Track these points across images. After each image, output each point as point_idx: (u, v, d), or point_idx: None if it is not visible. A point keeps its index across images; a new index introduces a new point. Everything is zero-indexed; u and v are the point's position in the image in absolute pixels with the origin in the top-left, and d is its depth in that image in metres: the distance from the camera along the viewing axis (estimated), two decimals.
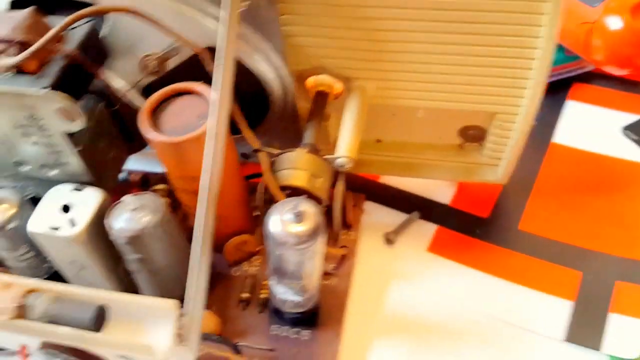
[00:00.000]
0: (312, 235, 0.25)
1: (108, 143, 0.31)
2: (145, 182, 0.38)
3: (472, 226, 0.38)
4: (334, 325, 0.32)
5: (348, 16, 0.31)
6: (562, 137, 0.43)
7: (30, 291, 0.24)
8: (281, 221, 0.25)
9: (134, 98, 0.32)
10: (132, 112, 0.32)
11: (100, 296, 0.24)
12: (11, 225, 0.29)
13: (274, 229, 0.25)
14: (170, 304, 0.24)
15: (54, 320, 0.23)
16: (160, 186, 0.36)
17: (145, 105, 0.28)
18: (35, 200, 0.31)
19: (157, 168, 0.40)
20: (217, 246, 0.35)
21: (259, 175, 0.33)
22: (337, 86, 0.36)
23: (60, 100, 0.25)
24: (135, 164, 0.37)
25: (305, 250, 0.25)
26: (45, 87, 0.26)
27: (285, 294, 0.29)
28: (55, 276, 0.32)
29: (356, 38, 0.32)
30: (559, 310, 0.33)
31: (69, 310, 0.23)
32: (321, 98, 0.36)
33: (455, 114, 0.36)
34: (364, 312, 0.33)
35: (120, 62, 0.31)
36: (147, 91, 0.33)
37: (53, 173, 0.30)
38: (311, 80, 0.36)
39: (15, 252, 0.30)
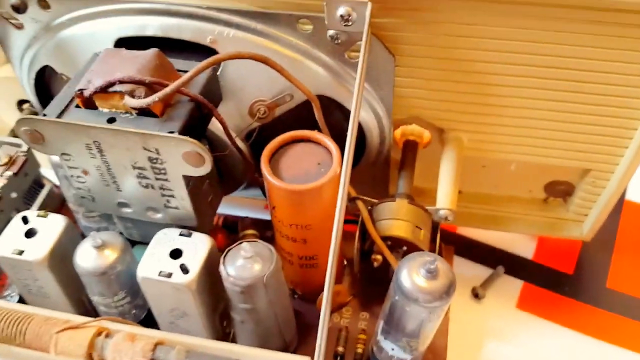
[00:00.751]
0: (445, 293, 0.24)
1: (208, 186, 0.31)
2: (233, 226, 0.37)
3: (558, 283, 0.37)
4: None
5: (457, 70, 0.31)
6: (635, 195, 0.43)
7: (159, 344, 0.23)
8: (414, 276, 0.24)
9: (239, 143, 0.31)
10: (226, 156, 0.32)
11: (233, 350, 0.23)
12: (114, 271, 0.28)
13: (406, 284, 0.24)
14: None
15: None
16: (250, 231, 0.35)
17: (265, 151, 0.28)
18: (132, 242, 0.30)
19: (234, 211, 0.39)
20: (308, 297, 0.34)
21: (347, 222, 0.32)
22: (426, 135, 0.36)
23: (191, 145, 0.25)
24: None
25: (434, 309, 0.24)
26: (172, 131, 0.25)
27: (393, 351, 0.28)
28: (143, 323, 0.31)
29: (461, 91, 0.32)
30: None
31: None
32: (411, 148, 0.36)
33: (547, 169, 0.36)
34: None
35: (229, 106, 0.31)
36: (248, 137, 0.33)
37: (158, 216, 0.29)
38: (399, 131, 0.36)
39: (112, 298, 0.29)
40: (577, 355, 0.33)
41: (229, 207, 0.38)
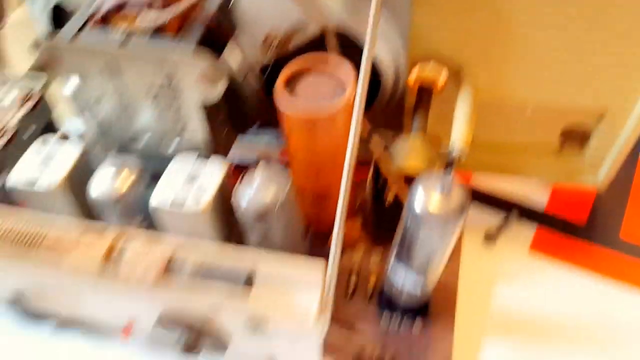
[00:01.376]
0: (459, 210, 0.24)
1: (223, 120, 0.31)
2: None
3: (571, 229, 0.37)
4: (446, 318, 0.31)
5: (476, 7, 0.30)
6: None
7: (174, 252, 0.23)
8: (429, 194, 0.24)
9: (252, 77, 0.31)
10: (240, 91, 0.32)
11: (249, 256, 0.23)
12: (131, 194, 0.28)
13: (421, 202, 0.24)
14: (319, 268, 0.22)
15: (207, 277, 0.22)
16: None
17: (280, 77, 0.27)
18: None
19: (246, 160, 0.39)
20: (320, 235, 0.34)
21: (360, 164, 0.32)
22: (441, 79, 0.35)
23: (206, 63, 0.25)
24: None
25: (448, 227, 0.24)
26: (188, 49, 0.25)
27: (404, 283, 0.28)
28: None
29: (479, 26, 0.31)
30: None
31: (219, 271, 0.22)
32: (427, 89, 0.35)
33: (563, 114, 0.35)
34: (473, 310, 0.32)
35: (243, 39, 0.31)
36: (263, 71, 0.33)
37: (172, 145, 0.29)
38: (413, 76, 0.35)
39: (130, 221, 0.29)
40: (590, 296, 0.33)
41: (241, 157, 0.38)
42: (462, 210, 0.24)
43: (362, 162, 0.34)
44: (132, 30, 0.26)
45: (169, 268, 0.22)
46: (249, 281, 0.22)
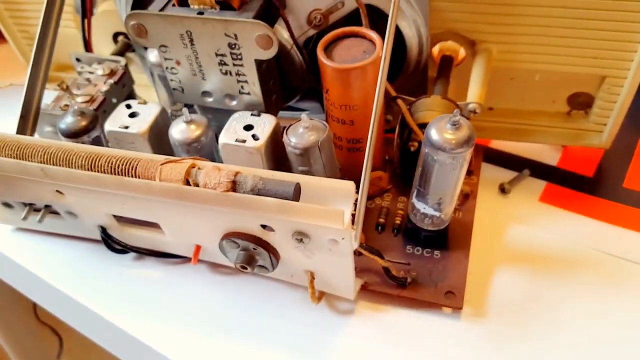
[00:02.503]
0: (467, 141, 0.29)
1: (273, 85, 0.37)
2: None
3: (578, 183, 0.42)
4: (462, 248, 0.36)
5: None
6: None
7: (238, 173, 0.29)
8: (441, 129, 0.30)
9: (297, 49, 0.37)
10: (288, 62, 0.38)
11: (294, 177, 0.29)
12: (198, 143, 0.35)
13: (434, 136, 0.30)
14: (350, 185, 0.28)
15: (260, 194, 0.28)
16: None
17: (320, 41, 0.34)
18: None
19: None
20: (356, 181, 0.40)
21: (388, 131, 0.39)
22: (461, 52, 0.41)
23: (262, 28, 0.31)
24: None
25: (458, 156, 0.30)
26: (248, 18, 0.32)
27: (425, 210, 0.34)
28: None
29: (490, 2, 0.37)
30: None
31: (273, 186, 0.28)
32: (447, 62, 0.41)
33: (568, 80, 0.40)
34: (486, 243, 0.37)
35: (290, 16, 0.37)
36: (306, 44, 0.39)
37: (234, 103, 0.36)
38: (436, 48, 0.41)
39: None
40: (594, 237, 0.38)
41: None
42: (469, 140, 0.30)
43: (391, 129, 0.40)
44: (205, 5, 0.33)
45: (235, 182, 0.28)
46: (295, 195, 0.28)
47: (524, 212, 0.40)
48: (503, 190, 0.41)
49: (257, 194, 0.28)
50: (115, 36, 0.49)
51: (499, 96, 0.43)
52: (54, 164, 0.31)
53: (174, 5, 0.34)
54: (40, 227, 0.39)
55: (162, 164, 0.30)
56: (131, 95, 0.44)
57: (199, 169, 0.29)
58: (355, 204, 0.29)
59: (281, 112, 0.41)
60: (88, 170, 0.31)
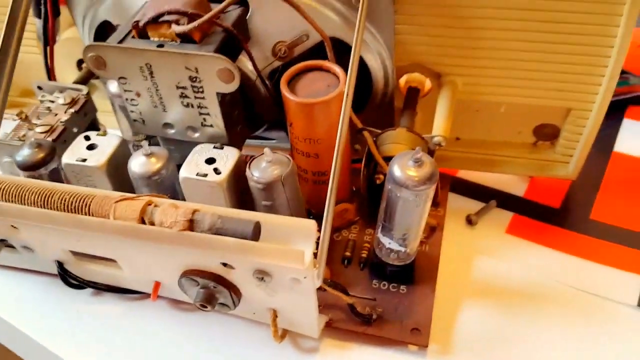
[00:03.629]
0: (429, 178, 0.29)
1: (237, 116, 0.37)
2: None
3: (545, 214, 0.42)
4: (428, 282, 0.35)
5: (451, 16, 0.36)
6: (623, 147, 0.47)
7: (196, 211, 0.28)
8: (403, 166, 0.29)
9: (261, 81, 0.37)
10: (252, 93, 0.38)
11: (255, 216, 0.28)
12: (159, 176, 0.34)
13: (396, 173, 0.29)
14: (312, 223, 0.28)
15: (218, 233, 0.27)
16: None
17: (284, 75, 0.33)
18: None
19: None
20: (320, 214, 0.39)
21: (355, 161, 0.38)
22: (427, 84, 0.41)
23: (223, 62, 0.31)
24: None
25: (421, 193, 0.30)
26: (209, 52, 0.31)
27: (390, 245, 0.33)
28: None
29: (455, 37, 0.37)
30: (631, 282, 0.36)
31: (232, 225, 0.27)
32: (413, 93, 0.41)
33: (534, 111, 0.41)
34: (453, 277, 0.37)
35: (255, 48, 0.37)
36: (272, 75, 0.39)
37: (196, 135, 0.35)
38: (403, 79, 0.41)
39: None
40: (559, 270, 0.37)
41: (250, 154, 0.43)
42: (431, 177, 0.29)
43: (359, 158, 0.40)
44: (165, 38, 0.32)
45: (192, 220, 0.28)
46: (255, 235, 0.28)
47: (490, 244, 0.40)
48: (470, 221, 0.41)
49: (215, 233, 0.27)
50: (80, 63, 0.48)
51: (466, 127, 0.43)
52: (6, 200, 0.30)
53: (133, 37, 0.33)
54: None
55: (116, 202, 0.29)
56: (94, 124, 0.43)
57: (155, 206, 0.29)
58: (318, 242, 0.28)
59: (248, 140, 0.40)
60: (40, 207, 0.29)
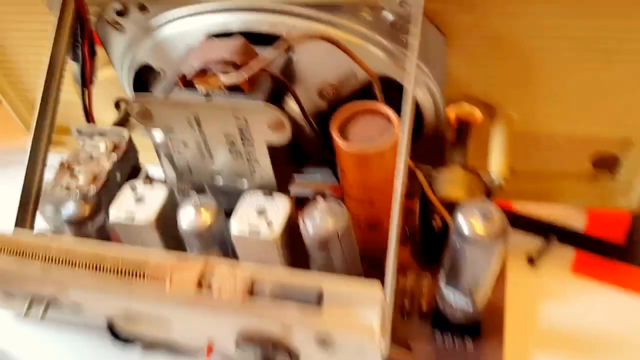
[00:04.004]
0: (500, 234, 0.27)
1: (284, 160, 0.35)
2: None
3: (610, 249, 0.39)
4: (495, 335, 0.33)
5: (504, 48, 0.34)
6: None
7: (255, 276, 0.27)
8: (471, 219, 0.28)
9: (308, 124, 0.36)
10: (299, 133, 0.36)
11: (317, 279, 0.27)
12: (209, 231, 0.32)
13: (463, 227, 0.28)
14: (378, 291, 0.26)
15: (279, 301, 0.26)
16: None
17: (334, 120, 0.32)
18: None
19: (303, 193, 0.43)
20: (375, 260, 0.38)
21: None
22: (478, 114, 0.39)
23: (274, 113, 0.29)
24: None
25: (491, 250, 0.28)
26: (259, 102, 0.30)
27: (455, 302, 0.31)
28: None
29: (510, 68, 0.35)
30: None
31: (294, 293, 0.26)
32: (465, 126, 0.39)
33: (592, 141, 0.38)
34: (520, 326, 0.35)
35: (301, 89, 0.35)
36: (318, 116, 0.37)
37: (244, 183, 0.34)
38: (453, 111, 0.39)
39: (209, 251, 0.34)
40: (632, 314, 0.35)
41: (299, 192, 0.42)
42: (503, 234, 0.28)
43: (408, 193, 0.38)
44: (212, 89, 0.31)
45: (251, 289, 0.26)
46: (318, 300, 0.26)
47: (556, 286, 0.37)
48: (532, 261, 0.39)
49: (276, 301, 0.26)
50: (118, 102, 0.47)
51: (521, 158, 0.41)
52: (56, 264, 0.29)
53: (180, 87, 0.32)
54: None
55: (171, 269, 0.27)
56: (136, 167, 0.42)
57: (212, 271, 0.27)
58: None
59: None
60: (92, 272, 0.28)
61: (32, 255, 0.29)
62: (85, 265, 0.29)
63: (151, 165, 0.44)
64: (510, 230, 0.28)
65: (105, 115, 0.48)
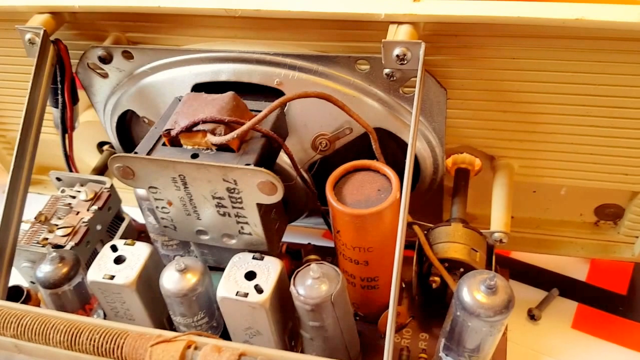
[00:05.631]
0: (505, 307, 0.26)
1: (276, 214, 0.33)
2: (295, 253, 0.39)
3: (611, 303, 0.38)
4: None
5: (505, 100, 0.33)
6: None
7: (242, 354, 0.25)
8: (474, 291, 0.26)
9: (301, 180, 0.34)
10: (291, 186, 0.35)
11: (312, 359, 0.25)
12: (195, 292, 0.31)
13: (467, 300, 0.26)
14: None
15: None
16: (313, 256, 0.37)
17: (329, 179, 0.30)
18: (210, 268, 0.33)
19: (296, 239, 0.42)
20: (369, 317, 0.36)
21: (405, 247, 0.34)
22: (477, 163, 0.38)
23: (265, 175, 0.28)
24: None
25: (495, 323, 0.26)
26: (249, 164, 0.28)
27: None
28: None
29: (510, 120, 0.34)
30: None
31: None
32: (463, 175, 0.38)
33: (596, 192, 0.37)
34: None
35: (293, 141, 0.34)
36: (311, 168, 0.35)
37: (233, 242, 0.32)
38: (450, 160, 0.38)
39: (192, 318, 0.32)
40: None
41: (291, 236, 0.40)
42: (508, 305, 0.26)
43: (407, 245, 0.36)
44: (199, 146, 0.29)
45: None
46: None
47: (557, 342, 0.36)
48: (533, 317, 0.37)
49: None
50: (101, 145, 0.45)
51: (521, 206, 0.40)
52: (28, 339, 0.27)
53: (164, 144, 0.30)
54: None
55: (152, 345, 0.25)
56: (118, 216, 0.40)
57: (195, 349, 0.25)
58: None
59: None
60: (67, 348, 0.26)
61: (3, 325, 0.27)
62: (60, 341, 0.26)
63: (136, 208, 0.42)
64: (514, 301, 0.26)
65: (88, 157, 0.46)
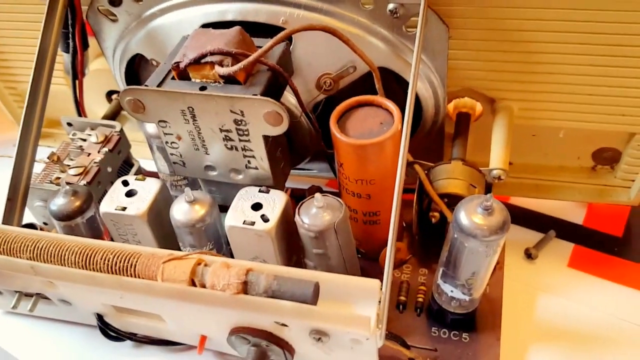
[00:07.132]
0: (501, 228, 0.27)
1: (281, 154, 0.34)
2: (300, 197, 0.40)
3: (607, 244, 0.39)
4: (492, 328, 0.33)
5: (507, 40, 0.33)
6: None
7: (249, 271, 0.26)
8: (471, 214, 0.27)
9: (306, 117, 0.35)
10: (296, 127, 0.35)
11: (313, 275, 0.26)
12: (202, 223, 0.32)
13: (463, 221, 0.27)
14: (375, 284, 0.26)
15: (275, 296, 0.25)
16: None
17: (333, 112, 0.31)
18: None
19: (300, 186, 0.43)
20: (371, 254, 0.37)
21: (405, 191, 0.35)
22: (478, 108, 0.38)
23: (271, 105, 0.29)
24: None
25: (490, 243, 0.27)
26: (255, 94, 0.29)
27: (452, 293, 0.31)
28: None
29: (511, 61, 0.34)
30: None
31: (289, 287, 0.25)
32: (465, 119, 0.39)
33: (594, 135, 0.38)
34: (517, 320, 0.34)
35: (298, 80, 0.34)
36: (315, 108, 0.36)
37: (240, 177, 0.33)
38: (452, 104, 0.39)
39: (201, 249, 0.33)
40: (627, 307, 0.35)
41: (296, 185, 0.41)
42: (503, 227, 0.27)
43: (406, 188, 0.37)
44: (207, 79, 0.30)
45: (246, 282, 0.26)
46: (314, 298, 0.25)
47: (553, 280, 0.37)
48: (529, 256, 0.38)
49: (271, 296, 0.25)
50: (110, 94, 0.46)
51: (520, 151, 0.40)
52: (44, 260, 0.28)
53: (173, 78, 0.31)
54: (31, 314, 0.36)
55: (164, 262, 0.27)
56: (128, 161, 0.41)
57: (205, 266, 0.27)
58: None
59: None
60: (82, 268, 0.28)
61: (20, 249, 0.29)
62: (75, 262, 0.28)
63: (144, 160, 0.43)
64: (509, 223, 0.27)
65: (97, 107, 0.47)
